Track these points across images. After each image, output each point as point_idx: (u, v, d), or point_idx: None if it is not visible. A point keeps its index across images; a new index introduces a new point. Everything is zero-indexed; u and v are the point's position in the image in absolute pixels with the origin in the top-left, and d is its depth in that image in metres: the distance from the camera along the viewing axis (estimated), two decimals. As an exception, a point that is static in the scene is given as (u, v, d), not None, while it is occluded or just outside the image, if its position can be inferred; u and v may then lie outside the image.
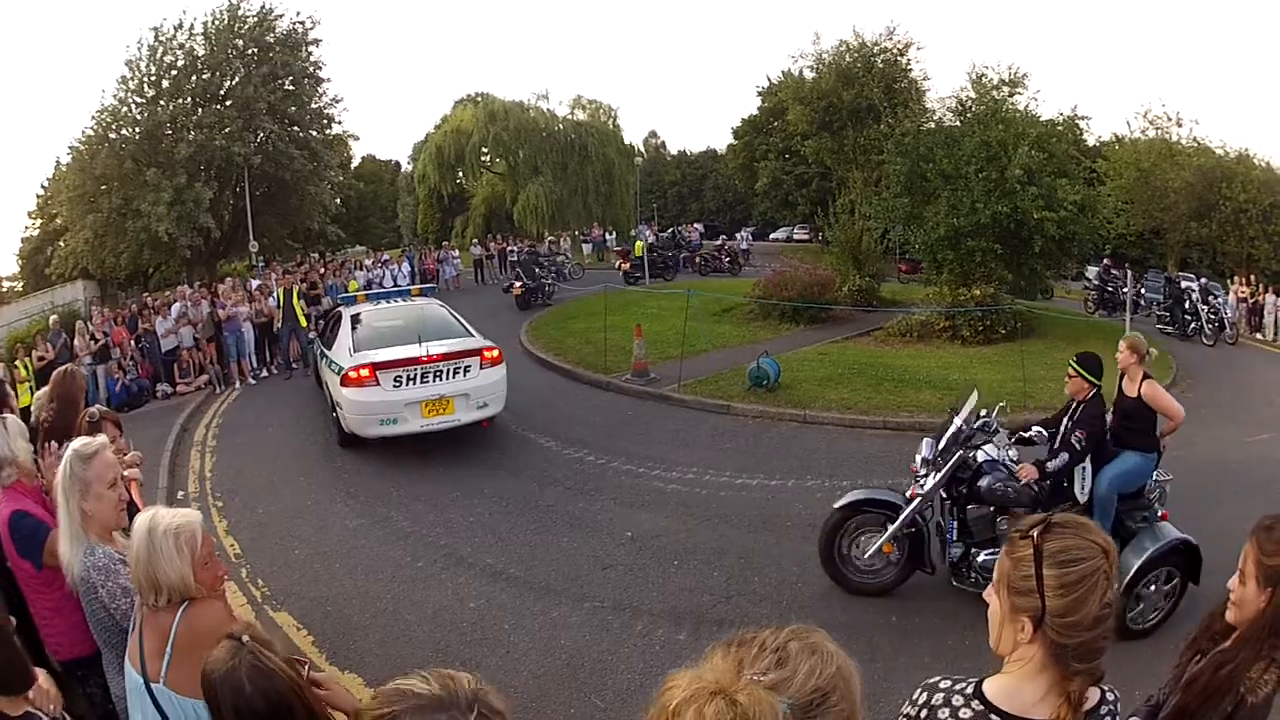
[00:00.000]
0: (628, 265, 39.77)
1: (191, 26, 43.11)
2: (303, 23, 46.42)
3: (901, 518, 8.66)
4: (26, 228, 64.50)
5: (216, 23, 43.40)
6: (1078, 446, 8.19)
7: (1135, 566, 7.84)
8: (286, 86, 45.69)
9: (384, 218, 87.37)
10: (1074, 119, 26.45)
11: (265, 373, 22.71)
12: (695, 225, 61.17)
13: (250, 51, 43.89)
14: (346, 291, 25.78)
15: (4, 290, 75.46)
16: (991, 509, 8.74)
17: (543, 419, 15.93)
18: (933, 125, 26.19)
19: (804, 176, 62.78)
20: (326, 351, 16.31)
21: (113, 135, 41.53)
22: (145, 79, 42.32)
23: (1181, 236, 43.95)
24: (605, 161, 61.59)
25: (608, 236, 55.99)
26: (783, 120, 60.52)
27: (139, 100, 42.49)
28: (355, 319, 15.96)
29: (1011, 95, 24.72)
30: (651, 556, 9.78)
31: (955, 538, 8.76)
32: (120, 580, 4.18)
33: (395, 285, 30.26)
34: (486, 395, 14.44)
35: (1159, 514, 8.58)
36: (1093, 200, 23.87)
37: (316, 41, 47.13)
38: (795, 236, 69.78)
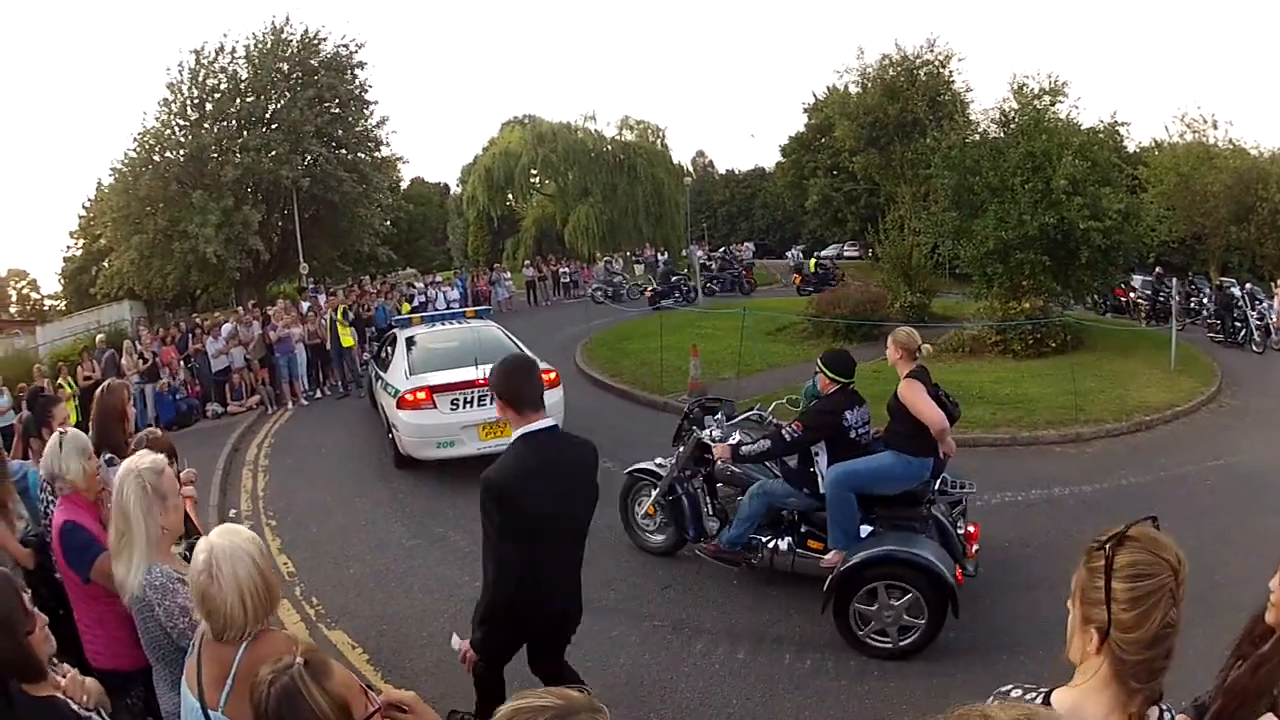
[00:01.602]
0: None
1: (233, 50, 43.48)
2: (346, 46, 46.63)
3: (658, 488, 9.95)
4: (68, 247, 65.57)
5: (259, 46, 43.75)
6: (786, 438, 8.38)
7: (845, 565, 7.81)
8: (333, 110, 45.84)
9: (434, 240, 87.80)
10: (1114, 126, 26.26)
11: (318, 394, 22.85)
12: (746, 244, 61.18)
13: (295, 75, 44.21)
14: (398, 314, 25.89)
15: (45, 309, 76.56)
16: (739, 490, 9.28)
17: (600, 440, 15.66)
18: (978, 137, 26.06)
19: (853, 193, 62.49)
20: (381, 374, 16.37)
21: (156, 157, 41.90)
22: (188, 101, 42.72)
23: (1222, 241, 43.39)
24: (654, 182, 61.63)
25: (660, 257, 56.06)
26: (830, 136, 60.17)
27: (182, 123, 42.80)
28: (410, 341, 16.02)
29: (1053, 104, 24.57)
30: (710, 576, 9.67)
31: (711, 512, 9.68)
32: (178, 599, 4.16)
33: (446, 307, 30.29)
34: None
35: (963, 528, 8.50)
36: (1136, 208, 23.76)
37: (361, 64, 47.35)
38: (846, 254, 69.32)
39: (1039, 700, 2.54)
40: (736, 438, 9.00)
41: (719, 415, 9.82)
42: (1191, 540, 8.53)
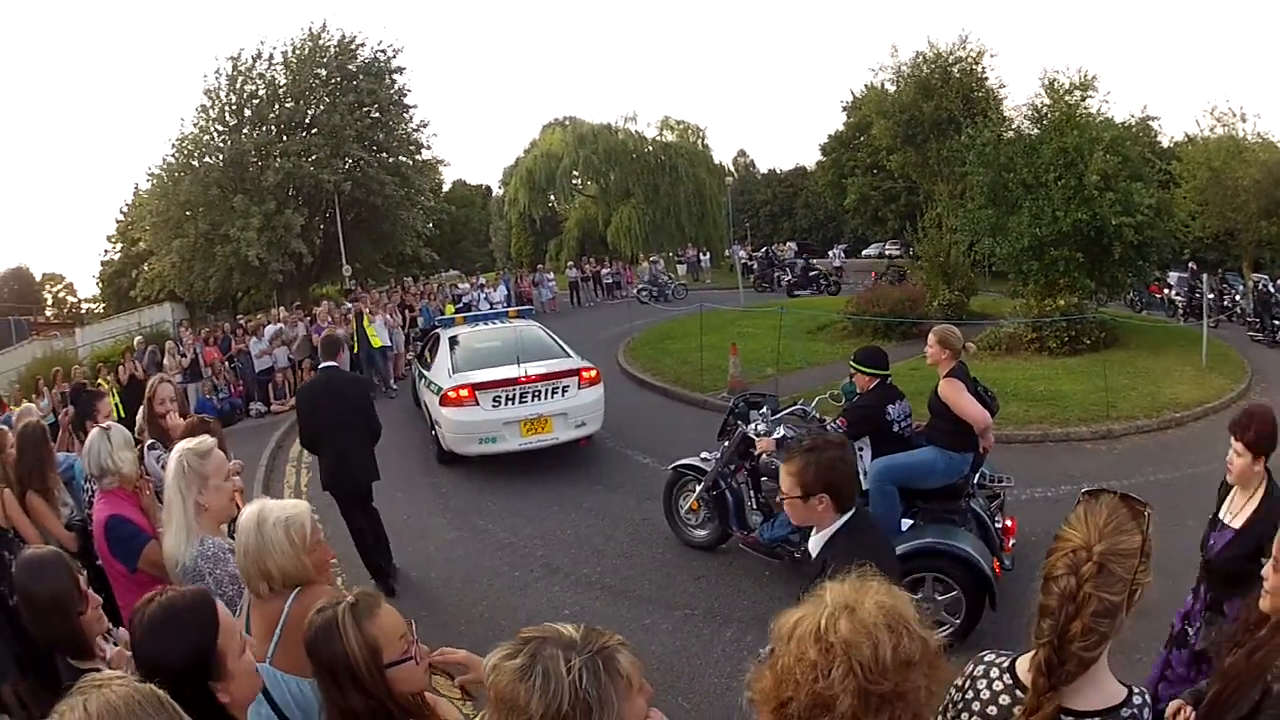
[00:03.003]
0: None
1: (271, 56, 43.66)
2: (384, 51, 46.76)
3: (703, 482, 10.11)
4: (106, 251, 66.03)
5: (297, 52, 43.95)
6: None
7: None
8: (373, 114, 45.95)
9: (476, 241, 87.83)
10: (1146, 120, 26.20)
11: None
12: (788, 244, 61.11)
13: (333, 80, 44.31)
14: (442, 314, 26.19)
15: (82, 312, 77.09)
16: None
17: (640, 436, 16.15)
18: (1012, 133, 26.09)
19: (892, 191, 62.61)
20: (425, 372, 16.65)
21: (195, 163, 42.13)
22: (227, 107, 42.85)
23: (1253, 236, 42.63)
24: (696, 182, 61.56)
25: (702, 257, 56.09)
26: (868, 135, 60.29)
27: (220, 128, 43.02)
28: (453, 340, 16.23)
29: (1084, 99, 24.48)
30: (743, 566, 9.89)
31: (755, 507, 9.73)
32: (229, 568, 4.39)
33: (490, 308, 30.33)
34: (585, 414, 14.60)
35: (1001, 521, 8.65)
36: (1167, 204, 23.65)
37: (400, 69, 47.34)
38: (887, 252, 68.94)
39: (1005, 663, 2.77)
40: (781, 432, 9.15)
41: (764, 410, 9.87)
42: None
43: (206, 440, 4.84)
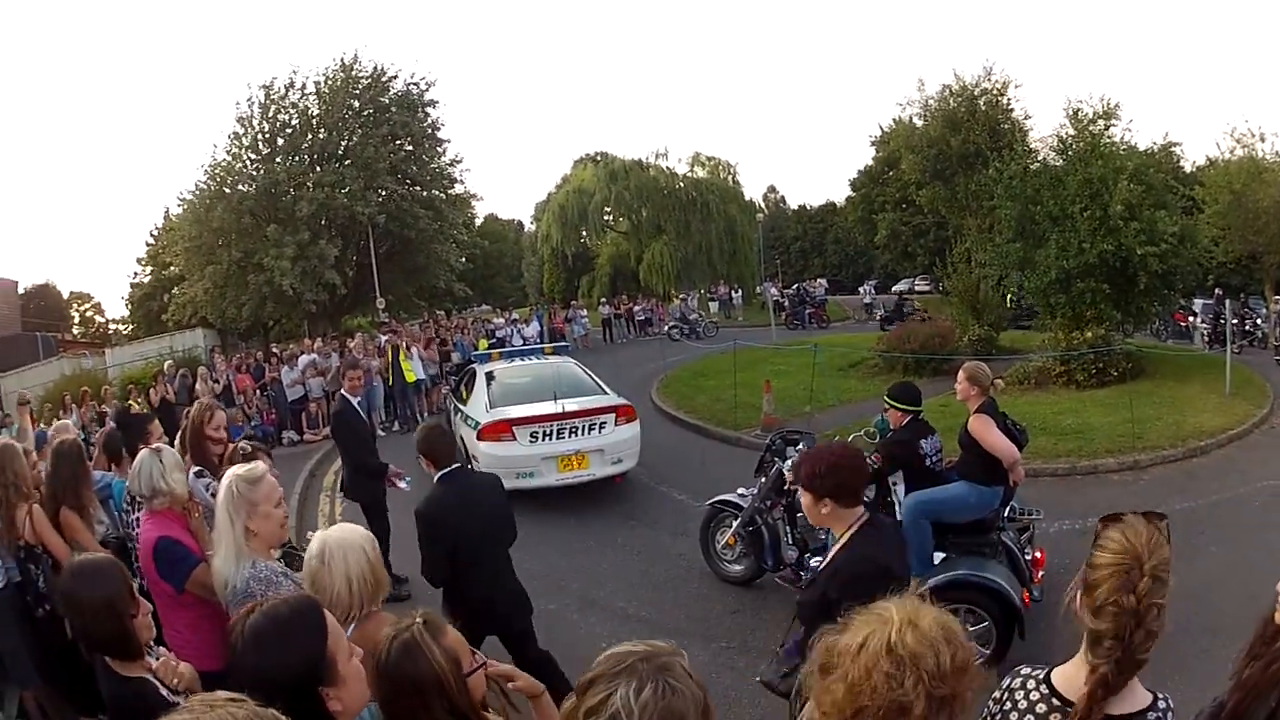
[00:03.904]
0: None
1: (304, 85, 43.95)
2: (417, 84, 46.97)
3: (740, 518, 10.18)
4: (136, 273, 66.23)
5: (329, 82, 44.21)
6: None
7: (919, 591, 7.87)
8: (406, 147, 46.11)
9: (509, 276, 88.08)
10: (1168, 146, 26.21)
11: (396, 426, 23.26)
12: (819, 280, 61.16)
13: (366, 112, 44.50)
14: (475, 349, 26.47)
15: (109, 332, 77.40)
16: None
17: (675, 473, 16.20)
18: (1038, 165, 26.05)
19: (921, 226, 62.45)
20: (461, 406, 16.74)
21: (228, 190, 42.38)
22: (260, 136, 43.17)
23: (1276, 259, 41.89)
24: (727, 218, 61.57)
25: (734, 294, 56.19)
26: (897, 170, 60.25)
27: (253, 156, 43.37)
28: (489, 375, 16.39)
29: (1107, 128, 24.48)
30: (779, 601, 9.89)
31: (790, 542, 9.82)
32: (281, 591, 4.37)
33: (522, 343, 30.57)
34: (621, 451, 14.67)
35: (1031, 554, 8.78)
36: (1191, 230, 23.54)
37: (433, 103, 47.57)
38: (917, 288, 68.82)
39: (1041, 675, 3.00)
40: None
41: (800, 446, 9.93)
42: (1237, 559, 8.82)
43: (258, 467, 4.97)
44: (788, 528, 9.93)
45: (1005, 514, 8.76)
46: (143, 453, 5.94)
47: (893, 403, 8.81)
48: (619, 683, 2.15)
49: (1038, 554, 8.78)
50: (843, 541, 4.87)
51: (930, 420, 8.95)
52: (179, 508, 5.85)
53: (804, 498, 4.97)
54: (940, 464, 8.81)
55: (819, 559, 9.23)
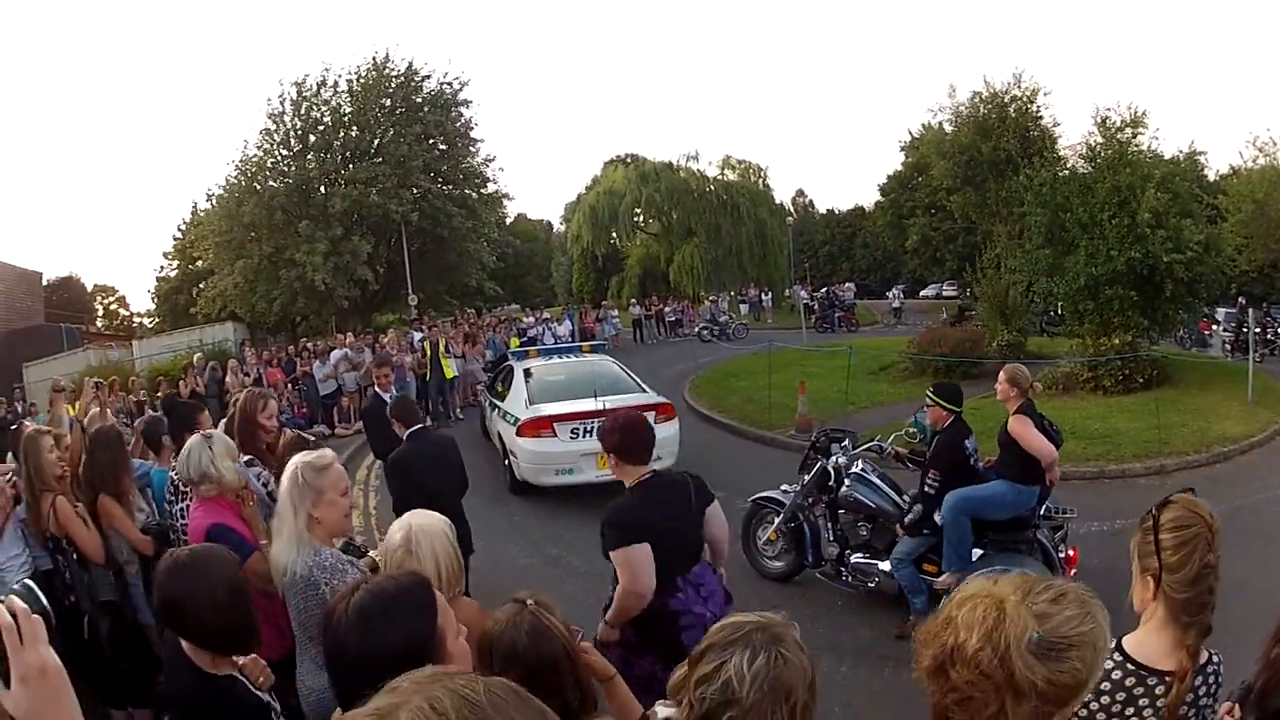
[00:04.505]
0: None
1: (335, 83, 44.32)
2: (450, 84, 47.22)
3: (782, 514, 10.44)
4: (162, 267, 67.09)
5: (361, 80, 44.47)
6: (931, 491, 8.85)
7: (954, 585, 8.01)
8: (440, 146, 46.44)
9: (539, 276, 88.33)
10: (1193, 155, 26.24)
11: (429, 421, 23.13)
12: (847, 284, 61.28)
13: (398, 110, 44.77)
14: (507, 347, 26.86)
15: (134, 325, 77.61)
16: (861, 516, 9.90)
17: (709, 471, 15.89)
18: (1067, 173, 26.10)
19: (951, 232, 62.69)
20: (499, 403, 16.91)
21: (259, 185, 42.80)
22: (291, 132, 43.58)
23: None
24: (757, 222, 61.61)
25: (763, 296, 56.31)
26: (927, 175, 60.32)
27: (285, 152, 43.78)
28: (528, 373, 16.53)
29: (1134, 136, 24.54)
30: (818, 597, 10.24)
31: (831, 538, 10.16)
32: (346, 579, 4.37)
33: (554, 342, 30.95)
34: (661, 449, 14.53)
35: (1065, 552, 9.00)
36: (1215, 239, 23.58)
37: (467, 102, 47.86)
38: (944, 293, 68.84)
39: (1111, 644, 3.07)
40: (860, 465, 9.97)
41: (844, 443, 10.40)
42: (1258, 562, 9.10)
43: (325, 454, 4.93)
44: (829, 524, 10.19)
45: (1040, 513, 8.99)
46: (193, 438, 5.92)
47: (939, 401, 9.04)
48: (733, 651, 2.35)
49: (1070, 552, 9.00)
50: (625, 494, 5.57)
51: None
52: (231, 495, 5.85)
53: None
54: (978, 463, 9.07)
55: (858, 555, 9.63)
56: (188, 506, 6.18)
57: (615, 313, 46.77)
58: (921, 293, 74.24)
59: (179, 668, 3.72)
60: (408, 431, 9.41)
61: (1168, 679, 3.05)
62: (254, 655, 4.09)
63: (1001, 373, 8.96)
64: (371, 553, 5.44)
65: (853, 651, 8.88)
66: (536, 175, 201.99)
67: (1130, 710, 3.07)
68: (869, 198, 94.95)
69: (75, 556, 6.81)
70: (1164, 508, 3.15)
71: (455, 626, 2.81)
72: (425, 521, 3.98)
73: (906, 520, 9.12)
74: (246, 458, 6.72)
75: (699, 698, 2.37)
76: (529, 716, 1.47)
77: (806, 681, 2.40)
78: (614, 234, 67.10)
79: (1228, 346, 31.66)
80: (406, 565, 3.64)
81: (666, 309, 48.79)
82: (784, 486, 10.83)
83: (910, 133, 66.03)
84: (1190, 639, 3.05)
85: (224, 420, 8.32)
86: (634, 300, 53.33)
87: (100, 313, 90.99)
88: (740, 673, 2.31)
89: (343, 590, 2.93)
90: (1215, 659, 3.17)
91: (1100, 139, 25.20)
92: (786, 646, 2.40)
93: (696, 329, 44.74)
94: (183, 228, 62.19)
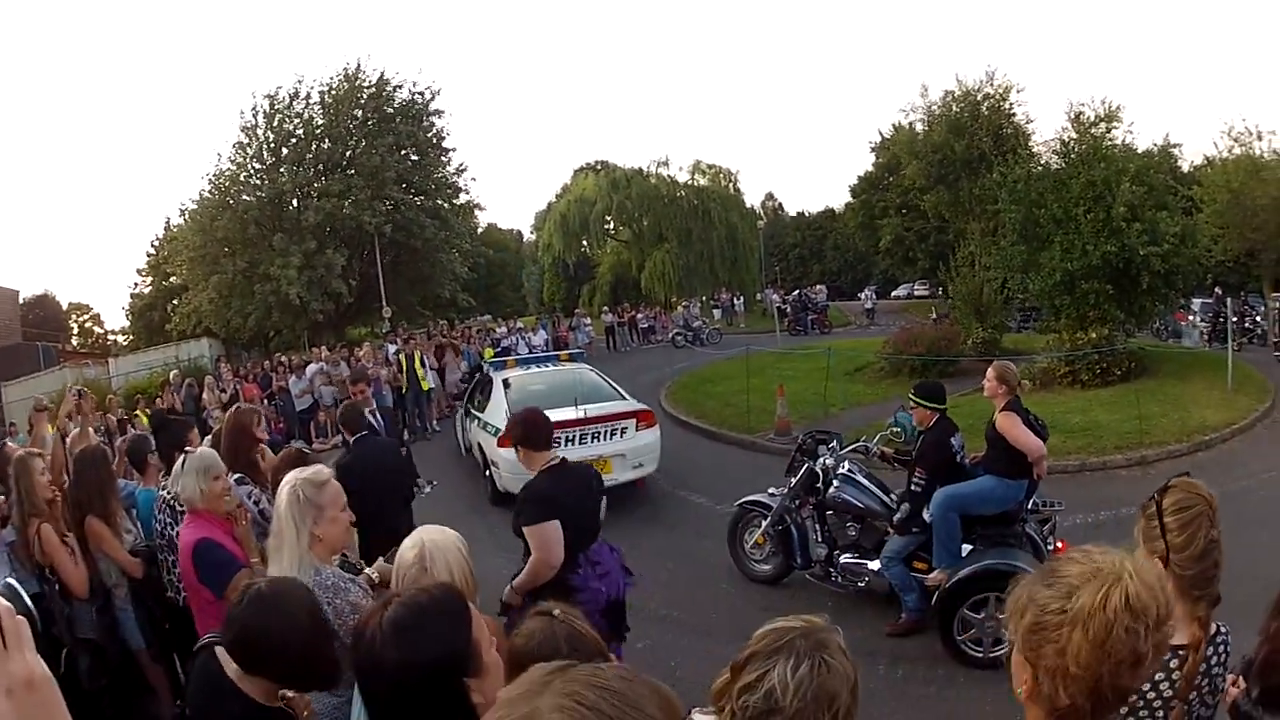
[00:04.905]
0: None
1: (308, 95, 44.34)
2: (422, 94, 47.35)
3: (769, 517, 10.43)
4: (136, 284, 66.88)
5: (334, 92, 44.48)
6: (918, 489, 8.87)
7: (950, 581, 8.44)
8: (412, 157, 46.62)
9: (511, 286, 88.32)
10: (1167, 148, 26.37)
11: (406, 435, 23.19)
12: (819, 286, 61.41)
13: (370, 122, 44.84)
14: (481, 358, 26.65)
15: (109, 343, 77.46)
16: (849, 516, 9.83)
17: (693, 477, 16.42)
18: (1041, 169, 26.23)
19: (923, 231, 62.80)
20: (479, 414, 16.84)
21: (232, 200, 42.78)
22: (264, 145, 43.61)
23: (1274, 256, 42.91)
24: (729, 226, 61.50)
25: (736, 300, 56.38)
26: (898, 175, 60.82)
27: (258, 166, 43.78)
28: (507, 383, 16.47)
29: (1108, 131, 24.66)
30: (808, 598, 10.13)
31: (819, 539, 10.18)
32: (350, 597, 4.38)
33: (529, 352, 30.78)
34: (642, 455, 14.83)
35: (1051, 544, 8.99)
36: (1191, 230, 23.69)
37: (438, 112, 48.03)
38: (916, 293, 69.51)
39: None
40: (847, 465, 9.94)
41: (831, 444, 10.38)
42: (1243, 546, 9.13)
43: (322, 470, 4.85)
44: (817, 526, 10.19)
45: (1028, 506, 9.01)
46: (193, 454, 5.86)
47: (921, 401, 9.05)
48: (777, 659, 2.32)
49: (1059, 544, 8.90)
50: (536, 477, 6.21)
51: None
52: (220, 512, 5.76)
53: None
54: (964, 459, 9.06)
55: (847, 555, 9.60)
56: (185, 526, 6.06)
57: (588, 321, 46.54)
58: (893, 293, 74.66)
59: (224, 695, 3.54)
60: (353, 438, 9.64)
61: (1181, 652, 3.11)
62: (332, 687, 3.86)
63: (990, 370, 8.96)
64: (367, 570, 5.29)
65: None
66: (506, 184, 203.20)
67: (1147, 686, 3.08)
68: (839, 199, 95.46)
69: (58, 587, 6.57)
70: (1165, 493, 3.30)
71: (489, 637, 2.81)
72: (437, 536, 3.91)
73: (895, 519, 9.09)
74: (236, 475, 6.67)
75: (741, 706, 2.34)
76: (649, 693, 1.48)
77: (850, 686, 2.35)
78: (585, 242, 66.97)
79: (1204, 336, 31.89)
80: (422, 582, 3.52)
81: (639, 316, 48.66)
82: (770, 490, 10.80)
83: (881, 133, 66.97)
84: (1201, 610, 3.17)
85: (209, 437, 8.45)
86: (606, 308, 53.22)
87: (75, 331, 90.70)
88: (784, 681, 2.28)
89: (372, 606, 2.95)
90: (1223, 629, 3.30)
91: (1074, 134, 25.31)
92: (830, 653, 2.36)
93: (671, 335, 44.81)
94: (156, 243, 62.19)
